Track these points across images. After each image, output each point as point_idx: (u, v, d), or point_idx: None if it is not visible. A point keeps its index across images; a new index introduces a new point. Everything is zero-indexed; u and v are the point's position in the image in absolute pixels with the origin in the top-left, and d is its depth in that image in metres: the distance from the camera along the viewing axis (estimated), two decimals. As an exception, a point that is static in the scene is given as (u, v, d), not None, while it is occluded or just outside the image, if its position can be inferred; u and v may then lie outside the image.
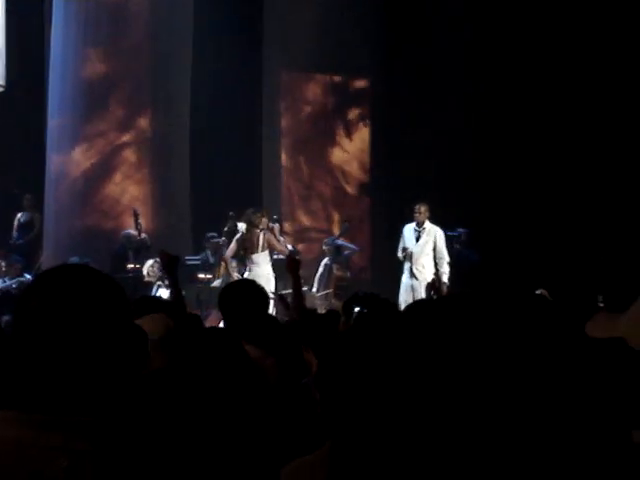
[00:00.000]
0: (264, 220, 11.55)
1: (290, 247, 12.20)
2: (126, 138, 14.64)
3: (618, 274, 10.59)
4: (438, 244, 12.00)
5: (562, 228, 13.32)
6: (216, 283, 12.47)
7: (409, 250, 11.98)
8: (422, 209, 12.01)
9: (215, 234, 13.44)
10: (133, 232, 13.02)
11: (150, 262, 12.36)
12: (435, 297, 8.03)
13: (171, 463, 1.69)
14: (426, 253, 11.98)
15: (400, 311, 5.11)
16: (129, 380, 1.67)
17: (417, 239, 12.02)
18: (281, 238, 12.01)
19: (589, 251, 12.74)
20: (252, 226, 11.44)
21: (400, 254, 12.15)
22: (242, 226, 11.81)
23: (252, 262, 11.41)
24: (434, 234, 12.01)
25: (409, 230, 12.13)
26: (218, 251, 13.30)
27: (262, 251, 11.31)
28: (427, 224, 12.04)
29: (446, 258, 11.99)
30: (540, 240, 13.28)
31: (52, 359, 1.61)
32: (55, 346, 1.61)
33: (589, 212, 13.20)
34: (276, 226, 12.07)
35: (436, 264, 11.97)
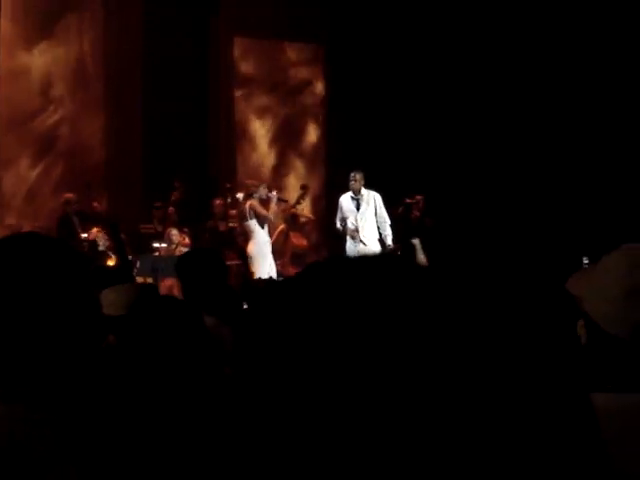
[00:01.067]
0: (261, 189, 11.51)
1: (275, 198, 11.87)
2: (77, 105, 14.47)
3: (603, 236, 10.66)
4: (378, 208, 12.04)
5: (545, 189, 13.29)
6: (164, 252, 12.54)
7: (353, 225, 11.94)
8: (357, 177, 12.00)
9: (160, 203, 13.51)
10: (70, 195, 12.89)
11: (94, 230, 12.31)
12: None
13: (129, 430, 1.69)
14: (369, 219, 12.02)
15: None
16: (87, 350, 1.65)
17: (357, 207, 12.03)
18: (273, 206, 11.81)
19: (575, 214, 12.75)
20: (246, 196, 11.49)
21: (339, 225, 12.15)
22: (240, 196, 11.84)
23: (250, 230, 11.42)
24: (372, 199, 12.04)
25: (347, 200, 12.11)
26: (165, 219, 13.31)
27: (250, 219, 11.28)
28: (363, 190, 12.04)
29: (387, 221, 12.05)
30: (526, 202, 13.30)
31: (9, 328, 1.59)
32: (13, 316, 1.59)
33: (574, 173, 13.18)
34: (273, 195, 11.86)
35: (379, 228, 12.03)
